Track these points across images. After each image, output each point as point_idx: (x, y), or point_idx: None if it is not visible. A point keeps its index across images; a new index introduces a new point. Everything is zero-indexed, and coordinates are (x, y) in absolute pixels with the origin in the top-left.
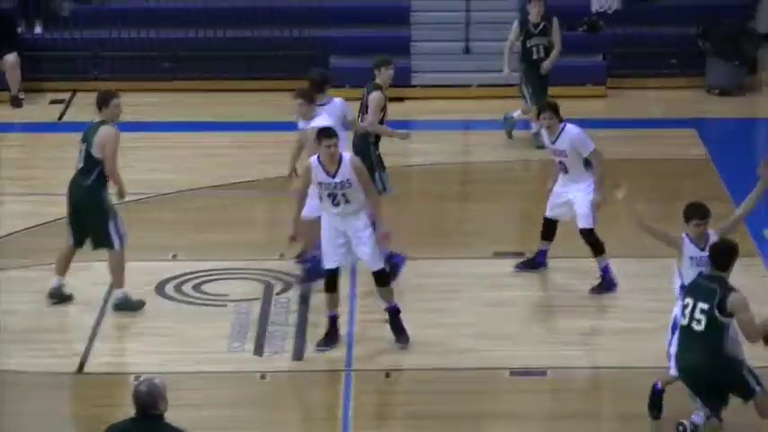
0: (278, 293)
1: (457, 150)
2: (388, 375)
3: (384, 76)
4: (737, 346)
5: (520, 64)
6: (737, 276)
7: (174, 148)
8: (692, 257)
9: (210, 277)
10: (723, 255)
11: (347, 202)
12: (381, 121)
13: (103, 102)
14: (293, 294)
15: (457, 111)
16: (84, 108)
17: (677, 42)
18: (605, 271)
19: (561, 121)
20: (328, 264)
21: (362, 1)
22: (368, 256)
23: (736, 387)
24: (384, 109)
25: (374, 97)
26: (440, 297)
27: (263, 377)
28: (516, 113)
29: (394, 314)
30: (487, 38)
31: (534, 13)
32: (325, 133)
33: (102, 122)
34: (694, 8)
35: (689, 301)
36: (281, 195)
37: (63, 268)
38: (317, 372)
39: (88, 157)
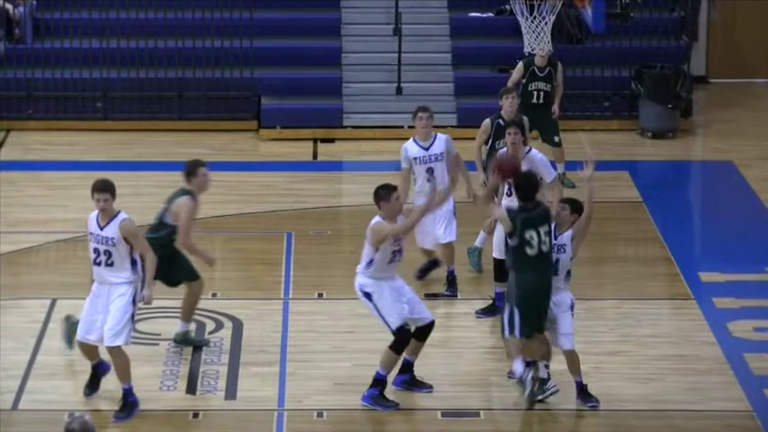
0: (210, 332)
1: None
2: (320, 415)
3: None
4: None
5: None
6: (671, 318)
7: None
8: None
9: (143, 316)
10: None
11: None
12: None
13: (191, 172)
14: (225, 334)
15: (388, 151)
16: (17, 147)
17: (611, 85)
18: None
19: (526, 143)
20: (399, 322)
21: (294, 42)
22: (425, 308)
23: None
24: (489, 135)
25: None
26: (372, 338)
27: (195, 416)
28: None
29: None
30: (419, 79)
31: (540, 57)
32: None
33: (186, 191)
34: (628, 51)
35: (531, 233)
36: (211, 234)
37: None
38: (250, 411)
39: (161, 218)
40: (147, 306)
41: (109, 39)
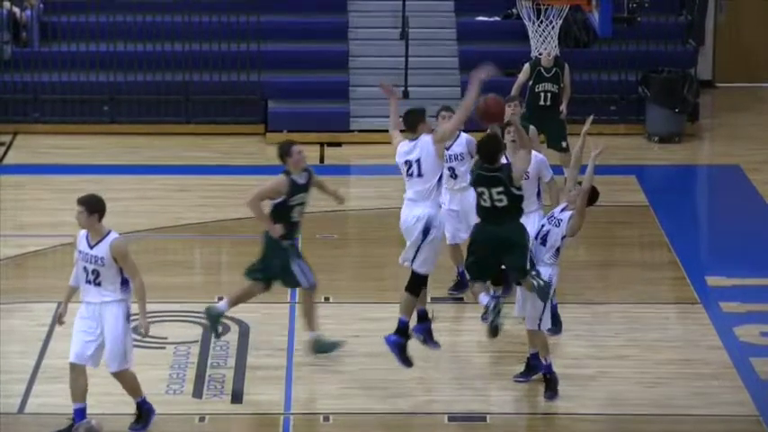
0: (217, 336)
1: (395, 195)
2: (326, 419)
3: None
4: None
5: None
6: (677, 322)
7: (113, 191)
8: None
9: (149, 319)
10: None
11: None
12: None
13: (285, 152)
14: (231, 338)
15: (395, 155)
16: (24, 150)
17: (617, 89)
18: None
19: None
20: (428, 271)
21: (301, 46)
22: None
23: (522, 250)
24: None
25: None
26: (378, 341)
27: (201, 420)
28: None
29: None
30: (426, 83)
31: (546, 58)
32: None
33: (285, 171)
34: (635, 55)
35: (482, 189)
36: (218, 238)
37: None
38: (256, 415)
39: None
40: (151, 320)
41: (116, 42)
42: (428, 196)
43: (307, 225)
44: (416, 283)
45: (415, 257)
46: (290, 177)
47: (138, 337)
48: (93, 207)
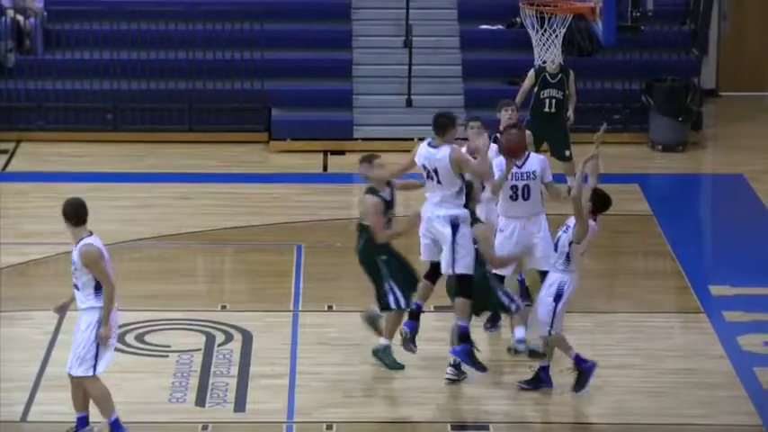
0: (220, 344)
1: (398, 203)
2: (329, 428)
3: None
4: None
5: (530, 114)
6: (681, 331)
7: (116, 199)
8: None
9: (152, 328)
10: None
11: None
12: None
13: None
14: (234, 346)
15: (399, 164)
16: (27, 158)
17: (621, 98)
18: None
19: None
20: (469, 270)
21: (304, 54)
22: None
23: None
24: None
25: None
26: None
27: (204, 428)
28: None
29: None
30: (430, 91)
31: (551, 64)
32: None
33: (370, 189)
34: (638, 64)
35: None
36: (221, 246)
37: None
38: (259, 423)
39: (360, 222)
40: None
41: (119, 50)
42: (451, 200)
43: (310, 233)
44: (467, 285)
45: (453, 262)
46: (380, 195)
47: (133, 346)
48: (67, 212)
